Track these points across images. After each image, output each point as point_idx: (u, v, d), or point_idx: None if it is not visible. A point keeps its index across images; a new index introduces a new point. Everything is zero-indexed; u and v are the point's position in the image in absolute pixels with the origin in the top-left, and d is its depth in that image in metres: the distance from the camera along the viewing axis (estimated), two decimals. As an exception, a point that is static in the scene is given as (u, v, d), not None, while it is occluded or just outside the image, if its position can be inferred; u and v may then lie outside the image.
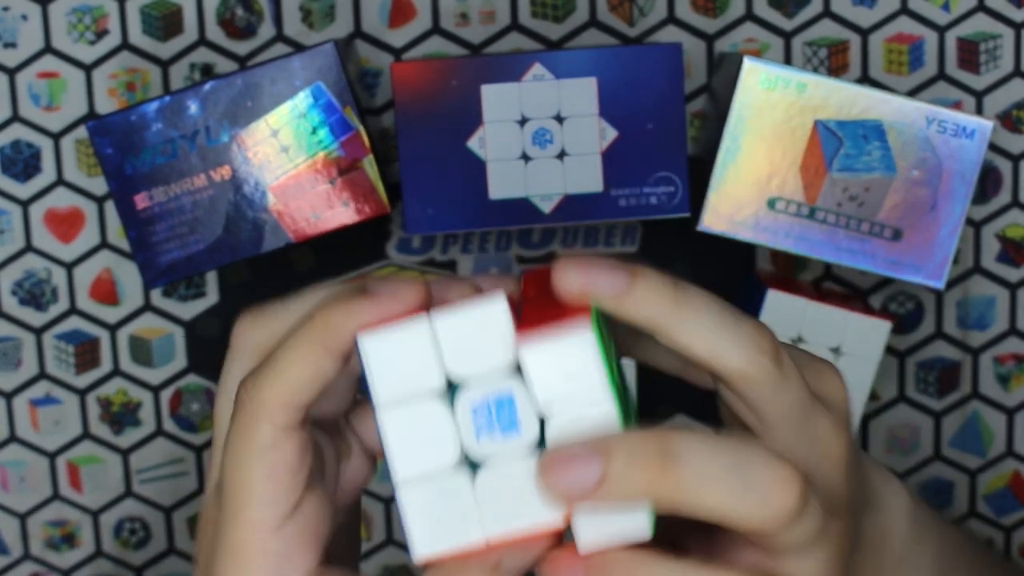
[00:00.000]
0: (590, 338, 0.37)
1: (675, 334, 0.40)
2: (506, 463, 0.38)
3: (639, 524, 0.37)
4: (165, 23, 0.64)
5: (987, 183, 0.66)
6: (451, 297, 0.42)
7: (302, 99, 0.57)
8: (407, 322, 0.38)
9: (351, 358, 0.40)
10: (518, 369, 0.38)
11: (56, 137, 0.65)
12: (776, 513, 0.38)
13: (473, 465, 0.38)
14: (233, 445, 0.40)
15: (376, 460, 0.45)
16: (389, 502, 0.69)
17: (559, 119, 0.56)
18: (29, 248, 0.66)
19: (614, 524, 0.37)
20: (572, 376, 0.37)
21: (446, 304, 0.41)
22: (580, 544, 0.38)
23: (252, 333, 0.43)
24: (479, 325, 0.38)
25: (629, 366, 0.60)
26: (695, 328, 0.40)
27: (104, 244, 0.66)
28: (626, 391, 0.42)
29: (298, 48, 0.64)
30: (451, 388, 0.38)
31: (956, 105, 0.65)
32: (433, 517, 0.38)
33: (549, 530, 0.38)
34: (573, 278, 0.39)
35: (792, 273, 0.66)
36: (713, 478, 0.37)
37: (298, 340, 0.39)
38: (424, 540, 0.38)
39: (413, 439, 0.38)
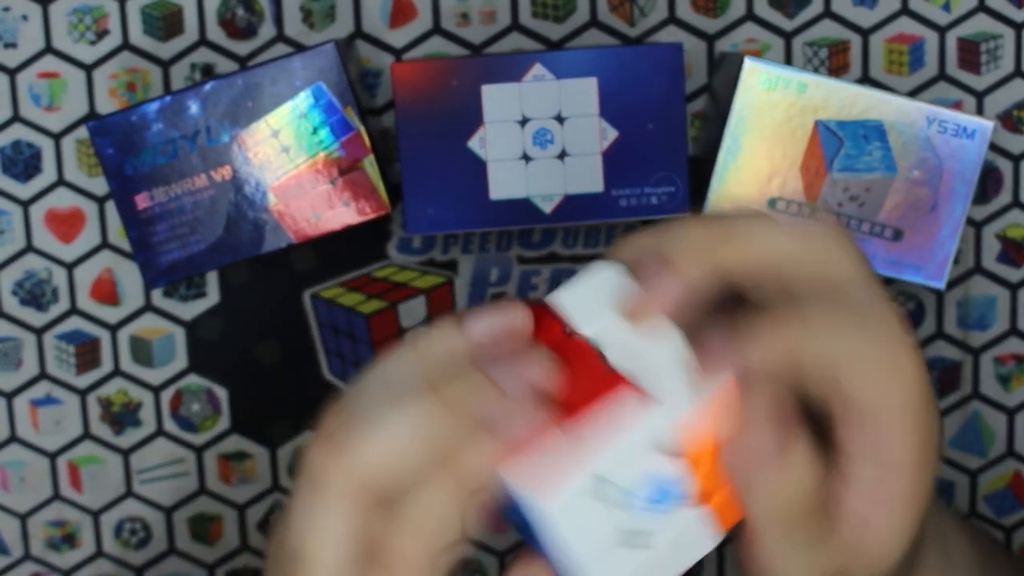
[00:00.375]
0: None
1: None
2: (667, 526, 0.39)
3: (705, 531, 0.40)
4: (166, 23, 0.64)
5: (988, 183, 0.66)
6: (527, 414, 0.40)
7: (303, 99, 0.57)
8: (571, 480, 0.38)
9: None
10: (657, 449, 0.39)
11: (57, 137, 0.65)
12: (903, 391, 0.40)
13: (634, 539, 0.39)
14: None
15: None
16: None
17: (560, 119, 0.56)
18: (30, 248, 0.66)
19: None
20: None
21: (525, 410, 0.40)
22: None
23: (346, 466, 0.41)
24: (630, 450, 0.39)
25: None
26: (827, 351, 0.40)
27: (105, 244, 0.66)
28: None
29: (299, 48, 0.64)
30: (599, 483, 0.39)
31: (957, 105, 0.65)
32: None
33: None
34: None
35: (793, 273, 0.66)
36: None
37: (445, 489, 0.39)
38: None
39: (581, 538, 0.39)
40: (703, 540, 0.40)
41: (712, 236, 0.41)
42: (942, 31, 0.64)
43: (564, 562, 0.39)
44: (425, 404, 0.40)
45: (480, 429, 0.39)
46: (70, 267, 0.66)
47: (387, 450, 0.40)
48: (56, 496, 0.68)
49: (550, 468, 0.38)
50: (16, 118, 0.65)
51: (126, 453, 0.68)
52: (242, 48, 0.65)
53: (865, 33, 0.65)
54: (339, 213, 0.57)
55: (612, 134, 0.56)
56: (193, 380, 0.67)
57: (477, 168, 0.56)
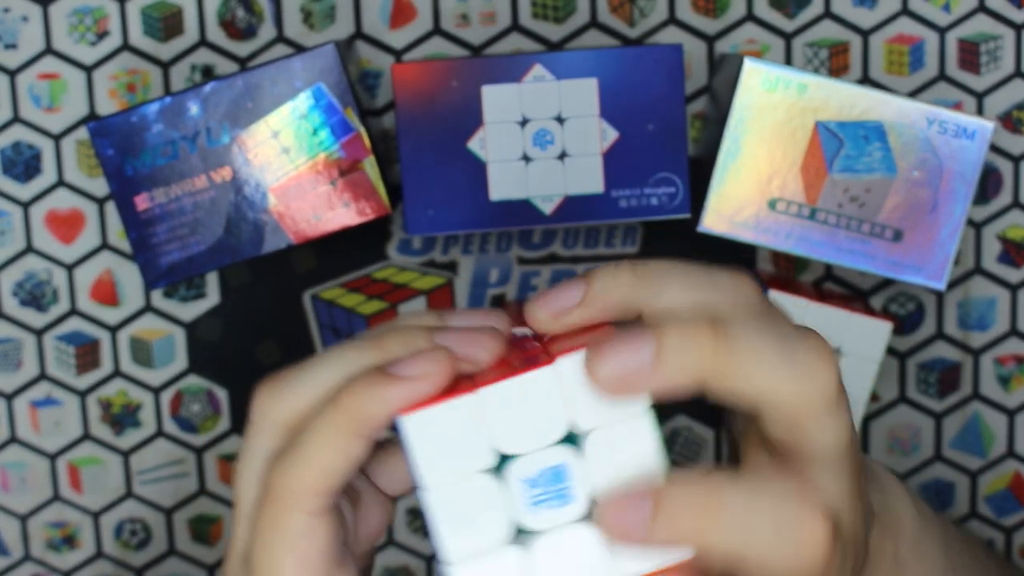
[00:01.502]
0: (650, 430, 0.38)
1: (725, 385, 0.39)
2: (560, 534, 0.37)
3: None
4: (166, 24, 0.64)
5: (988, 184, 0.66)
6: (472, 352, 0.41)
7: (303, 100, 0.57)
8: (453, 401, 0.37)
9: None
10: (569, 439, 0.37)
11: (57, 138, 0.65)
12: (820, 388, 0.39)
13: (523, 538, 0.38)
14: (264, 532, 0.40)
15: (393, 503, 0.45)
16: (390, 503, 0.69)
17: (560, 120, 0.56)
18: (30, 249, 0.66)
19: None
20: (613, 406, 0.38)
21: (466, 357, 0.40)
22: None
23: (274, 408, 0.42)
24: (528, 399, 0.37)
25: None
26: (742, 375, 0.39)
27: (105, 245, 0.66)
28: None
29: (299, 49, 0.64)
30: (500, 461, 0.37)
31: (957, 106, 0.65)
32: None
33: None
34: (604, 369, 0.38)
35: (793, 274, 0.66)
36: (763, 353, 0.38)
37: (327, 426, 0.39)
38: None
39: (463, 517, 0.37)
40: (594, 567, 0.37)
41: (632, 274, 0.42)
42: (942, 32, 0.64)
43: (437, 541, 0.37)
44: (361, 348, 0.41)
45: (387, 372, 0.39)
46: (70, 268, 0.66)
47: (306, 389, 0.41)
48: (56, 497, 0.68)
49: (447, 420, 0.37)
50: (16, 119, 0.65)
51: (126, 454, 0.68)
52: (242, 49, 0.65)
53: (865, 34, 0.65)
54: (339, 214, 0.57)
55: (612, 135, 0.56)
56: (193, 381, 0.67)
57: (477, 169, 0.56)
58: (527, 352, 0.40)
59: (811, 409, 0.39)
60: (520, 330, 0.43)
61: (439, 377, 0.38)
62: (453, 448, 0.37)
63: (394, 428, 0.40)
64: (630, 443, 0.38)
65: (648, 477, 0.38)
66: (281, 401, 0.42)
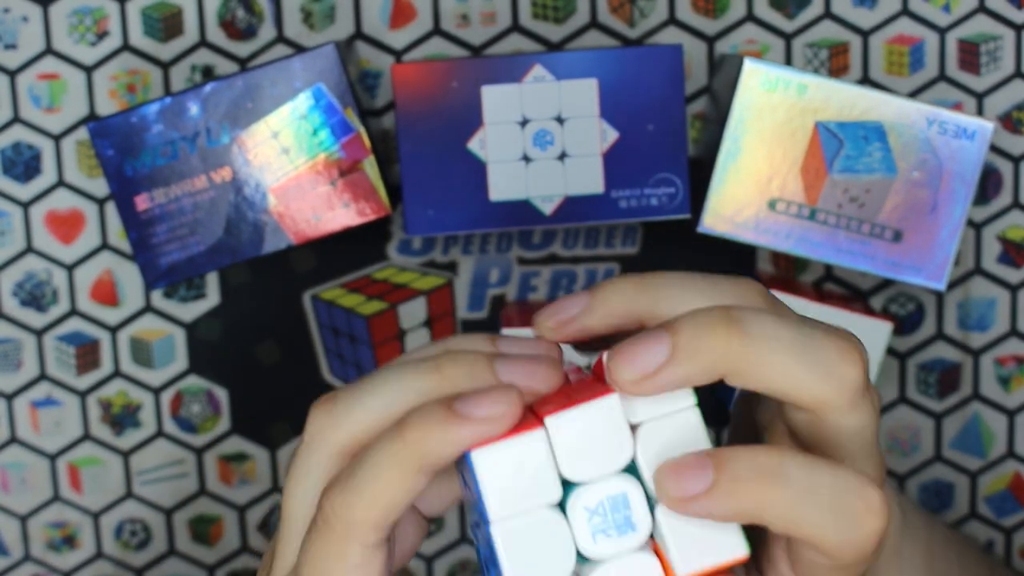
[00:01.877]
0: (692, 404, 0.39)
1: (745, 379, 0.39)
2: (623, 562, 0.38)
3: (734, 542, 0.38)
4: (166, 25, 0.64)
5: (988, 184, 0.66)
6: (535, 385, 0.40)
7: (303, 100, 0.57)
8: (522, 436, 0.37)
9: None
10: (630, 469, 0.38)
11: (57, 138, 0.65)
12: (843, 384, 0.39)
13: (587, 567, 0.38)
14: (317, 559, 0.40)
15: (429, 523, 0.45)
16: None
17: (560, 120, 0.56)
18: (30, 249, 0.66)
19: (710, 545, 0.38)
20: (674, 432, 0.38)
21: (529, 390, 0.40)
22: (677, 571, 0.38)
23: (331, 430, 0.41)
24: (592, 429, 0.38)
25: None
26: (767, 370, 0.39)
27: (105, 245, 0.66)
28: None
29: (299, 49, 0.64)
30: (565, 491, 0.38)
31: (957, 106, 0.65)
32: None
33: None
34: (624, 372, 0.38)
35: (793, 274, 0.66)
36: (780, 346, 0.38)
37: (392, 461, 0.39)
38: None
39: (529, 549, 0.37)
40: None
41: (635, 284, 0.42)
42: (942, 32, 0.64)
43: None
44: (420, 373, 0.40)
45: (457, 410, 0.38)
46: (70, 268, 0.66)
47: (367, 414, 0.41)
48: (56, 497, 0.68)
49: (515, 464, 0.37)
50: (16, 119, 0.65)
51: (126, 454, 0.68)
52: (242, 49, 0.65)
53: (865, 34, 0.65)
54: (339, 214, 0.57)
55: (612, 135, 0.56)
56: (193, 381, 0.67)
57: (477, 169, 0.56)
58: (578, 380, 0.41)
59: (834, 404, 0.39)
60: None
61: (511, 419, 0.38)
62: (522, 482, 0.37)
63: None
64: (682, 440, 0.38)
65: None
66: (338, 423, 0.41)
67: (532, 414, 0.39)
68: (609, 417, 0.38)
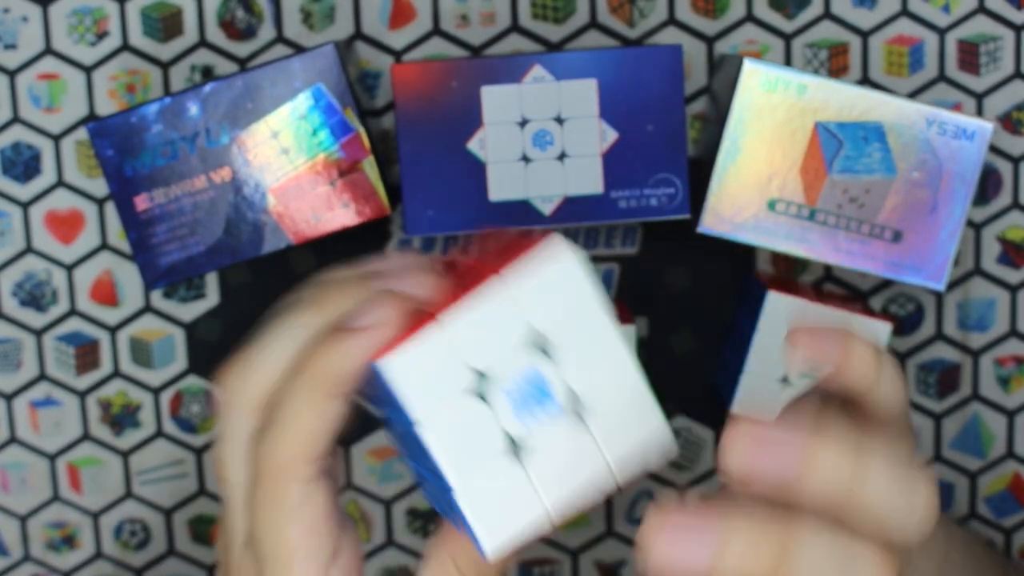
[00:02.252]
0: (571, 256, 0.39)
1: (856, 497, 0.38)
2: (550, 435, 0.38)
3: (657, 424, 0.40)
4: (165, 25, 0.64)
5: (987, 185, 0.66)
6: (413, 287, 0.41)
7: (302, 101, 0.57)
8: (421, 337, 0.38)
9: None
10: (533, 344, 0.38)
11: (56, 139, 0.65)
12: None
13: (518, 447, 0.38)
14: (265, 509, 0.41)
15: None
16: (390, 504, 0.69)
17: (559, 121, 0.56)
18: (29, 250, 0.66)
19: (631, 422, 0.39)
20: (562, 301, 0.39)
21: (409, 294, 0.41)
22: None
23: (243, 389, 0.43)
24: (489, 318, 0.38)
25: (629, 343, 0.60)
26: (872, 494, 0.38)
27: (104, 246, 0.66)
28: None
29: (298, 50, 0.64)
30: (479, 379, 0.38)
31: (956, 107, 0.65)
32: (495, 511, 0.38)
33: (606, 492, 0.38)
34: (740, 460, 0.37)
35: (792, 275, 0.66)
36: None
37: (303, 394, 0.40)
38: (492, 537, 0.38)
39: (459, 444, 0.38)
40: (596, 470, 0.38)
41: None
42: (942, 32, 0.64)
43: (441, 471, 0.38)
44: (303, 313, 0.42)
45: (343, 329, 0.39)
46: (70, 268, 0.66)
47: (269, 365, 0.42)
48: (56, 497, 0.68)
49: (423, 362, 0.38)
50: (16, 119, 0.65)
51: (126, 454, 0.68)
52: (242, 49, 0.65)
53: (865, 34, 0.64)
54: (339, 214, 0.57)
55: (612, 135, 0.56)
56: (193, 381, 0.67)
57: (477, 169, 0.56)
58: (472, 275, 0.41)
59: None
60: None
61: (396, 319, 0.39)
62: (434, 379, 0.38)
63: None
64: (596, 341, 0.39)
65: (621, 368, 0.39)
66: (248, 381, 0.42)
67: (430, 316, 0.39)
68: (499, 299, 0.38)
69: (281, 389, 0.41)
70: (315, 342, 0.40)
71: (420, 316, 0.40)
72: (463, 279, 0.41)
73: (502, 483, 0.38)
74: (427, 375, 0.38)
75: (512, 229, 0.41)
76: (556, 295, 0.38)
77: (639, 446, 0.39)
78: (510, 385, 0.38)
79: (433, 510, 0.69)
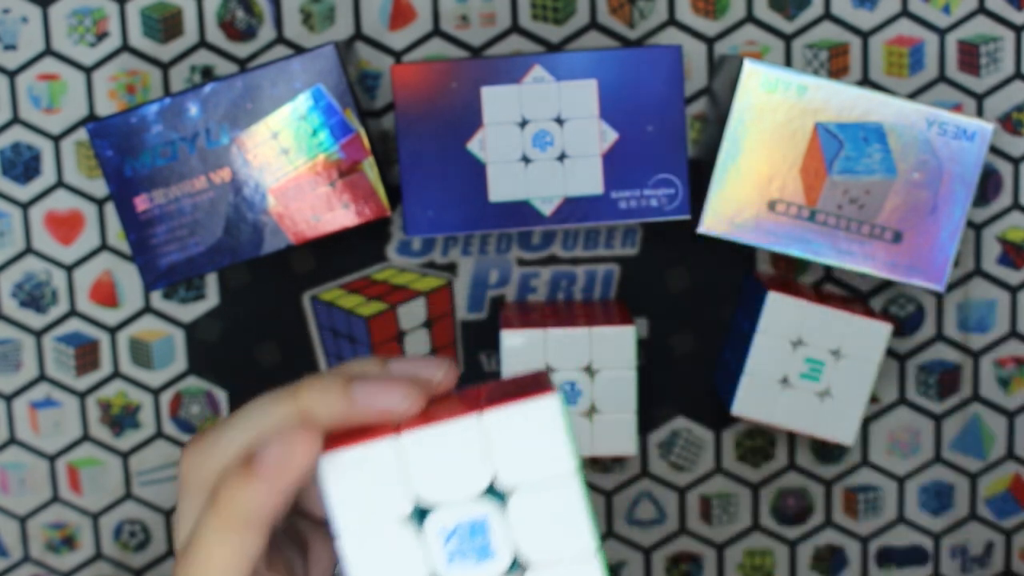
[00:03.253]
0: (556, 403, 0.36)
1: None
2: None
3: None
4: (165, 25, 0.64)
5: (987, 185, 0.66)
6: (387, 401, 0.38)
7: (302, 101, 0.57)
8: (373, 443, 0.35)
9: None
10: (493, 493, 0.36)
11: (56, 139, 0.65)
12: None
13: None
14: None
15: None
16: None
17: (559, 121, 0.56)
18: (29, 250, 0.66)
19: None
20: (537, 458, 0.36)
21: (383, 408, 0.38)
22: None
23: (199, 469, 0.41)
24: (450, 448, 0.35)
25: (629, 343, 0.60)
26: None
27: (104, 246, 0.66)
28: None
29: (298, 50, 0.64)
30: (419, 511, 0.36)
31: (956, 108, 0.65)
32: None
33: None
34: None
35: (792, 275, 0.66)
36: None
37: (209, 526, 0.39)
38: None
39: (377, 568, 0.35)
40: None
41: None
42: (942, 33, 0.64)
43: None
44: (278, 402, 0.40)
45: (254, 462, 0.38)
46: (69, 269, 0.66)
47: (232, 447, 0.40)
48: (55, 498, 0.68)
49: (365, 471, 0.35)
50: (16, 120, 0.65)
51: (125, 455, 0.68)
52: (242, 50, 0.65)
53: (865, 35, 0.64)
54: (338, 215, 0.57)
55: (612, 136, 0.56)
56: (192, 382, 0.67)
57: (476, 170, 0.56)
58: (467, 401, 0.38)
59: None
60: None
61: (302, 464, 0.37)
62: (370, 493, 0.35)
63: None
64: (556, 502, 0.35)
65: (577, 539, 0.35)
66: (204, 461, 0.41)
67: (396, 429, 0.37)
68: (469, 438, 0.35)
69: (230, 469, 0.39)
70: (231, 469, 0.39)
71: (390, 428, 0.37)
72: (449, 405, 0.38)
73: None
74: (367, 486, 0.35)
75: (528, 374, 0.38)
76: (530, 450, 0.35)
77: None
78: (452, 527, 0.35)
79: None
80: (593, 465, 0.68)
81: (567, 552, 0.35)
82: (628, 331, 0.60)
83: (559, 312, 0.63)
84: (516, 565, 0.36)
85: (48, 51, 0.64)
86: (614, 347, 0.60)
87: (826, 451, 0.68)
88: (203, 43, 0.64)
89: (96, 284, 0.66)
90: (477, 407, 0.36)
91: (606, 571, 0.35)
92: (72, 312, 0.66)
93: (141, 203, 0.57)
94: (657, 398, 0.67)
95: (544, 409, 0.35)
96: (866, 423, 0.68)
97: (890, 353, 0.67)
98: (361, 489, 0.35)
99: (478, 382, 0.42)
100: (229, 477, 0.38)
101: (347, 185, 0.57)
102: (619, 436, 0.60)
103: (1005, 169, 0.65)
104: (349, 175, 0.57)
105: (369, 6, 0.64)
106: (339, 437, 0.36)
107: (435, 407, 0.37)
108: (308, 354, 0.67)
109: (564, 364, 0.60)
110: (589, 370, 0.60)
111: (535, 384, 0.36)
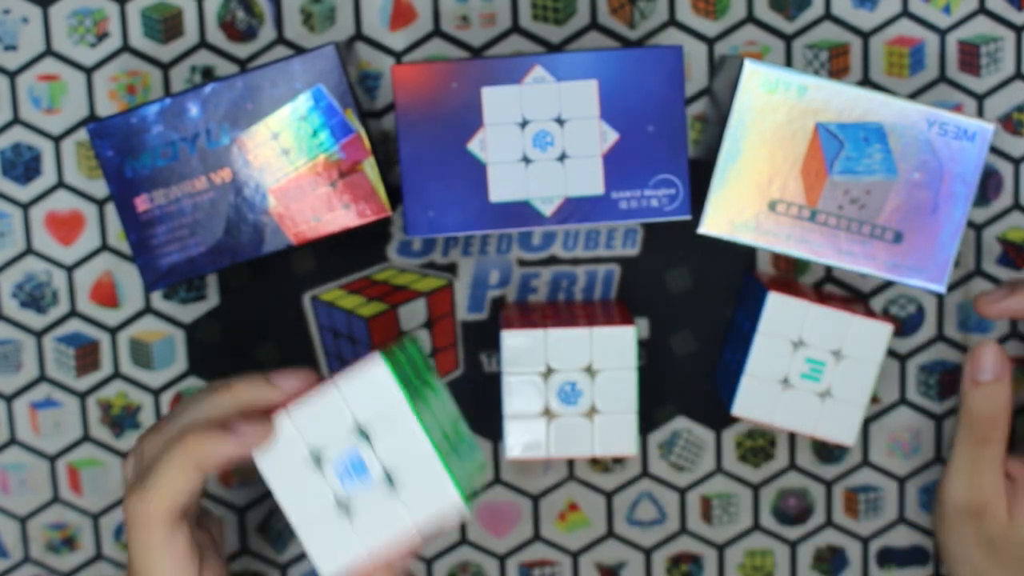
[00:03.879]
0: (384, 369, 0.51)
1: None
2: (368, 499, 0.52)
3: (455, 500, 0.52)
4: (166, 26, 0.64)
5: (988, 186, 0.66)
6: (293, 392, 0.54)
7: (303, 101, 0.57)
8: (278, 430, 0.52)
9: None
10: (356, 431, 0.52)
11: (57, 140, 0.65)
12: None
13: (343, 506, 0.52)
14: (137, 548, 0.52)
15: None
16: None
17: (560, 121, 0.56)
18: (30, 251, 0.66)
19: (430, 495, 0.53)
20: (378, 400, 0.51)
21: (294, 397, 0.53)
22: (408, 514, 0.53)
23: (154, 444, 0.53)
24: (323, 411, 0.52)
25: (630, 344, 0.60)
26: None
27: (104, 247, 0.66)
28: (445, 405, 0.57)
29: (299, 51, 0.64)
30: (316, 455, 0.52)
31: (957, 108, 0.65)
32: (328, 548, 0.52)
33: (410, 541, 0.52)
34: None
35: (793, 276, 0.66)
36: None
37: (176, 460, 0.51)
38: (326, 565, 0.52)
39: (299, 500, 0.52)
40: (399, 523, 0.52)
41: None
42: (942, 33, 0.64)
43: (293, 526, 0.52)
44: (219, 393, 0.54)
45: (225, 434, 0.51)
46: (70, 269, 0.66)
47: (185, 484, 0.52)
48: (56, 499, 0.68)
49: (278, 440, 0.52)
50: (16, 120, 0.65)
51: (126, 456, 0.68)
52: (242, 50, 0.65)
53: (865, 35, 0.64)
54: (339, 215, 0.57)
55: (612, 136, 0.56)
56: (193, 383, 0.67)
57: (477, 170, 0.56)
58: (324, 381, 0.54)
59: None
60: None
61: (262, 435, 0.52)
62: (282, 451, 0.52)
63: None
64: (399, 428, 0.51)
65: (423, 453, 0.51)
66: (159, 438, 0.53)
67: (284, 408, 0.53)
68: (331, 400, 0.51)
69: (159, 452, 0.52)
70: (200, 424, 0.52)
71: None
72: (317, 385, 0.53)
73: (332, 531, 0.52)
74: (277, 448, 0.52)
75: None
76: (373, 396, 0.51)
77: (437, 511, 0.52)
78: (337, 461, 0.51)
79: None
80: (593, 465, 0.68)
81: (412, 458, 0.51)
82: (629, 331, 0.60)
83: (560, 312, 0.63)
84: (388, 477, 0.52)
85: (48, 51, 0.64)
86: (615, 347, 0.60)
87: (827, 451, 0.68)
88: (203, 43, 0.64)
89: (96, 284, 0.66)
90: (331, 381, 0.52)
91: (447, 468, 0.51)
92: (72, 312, 0.66)
93: (141, 203, 0.57)
94: (657, 398, 0.67)
95: (374, 368, 0.51)
96: (867, 423, 0.68)
97: (891, 353, 0.67)
98: (275, 450, 0.52)
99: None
100: (199, 430, 0.52)
101: (347, 185, 0.57)
102: (620, 436, 0.60)
103: (1006, 169, 0.65)
104: (349, 175, 0.57)
105: (369, 6, 0.64)
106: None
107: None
108: (308, 355, 0.67)
109: (565, 364, 0.60)
110: (590, 370, 0.60)
111: (367, 359, 0.52)
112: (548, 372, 0.60)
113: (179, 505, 0.51)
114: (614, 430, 0.60)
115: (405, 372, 0.53)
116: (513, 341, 0.60)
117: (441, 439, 0.53)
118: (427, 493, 0.51)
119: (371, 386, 0.51)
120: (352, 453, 0.51)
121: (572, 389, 0.60)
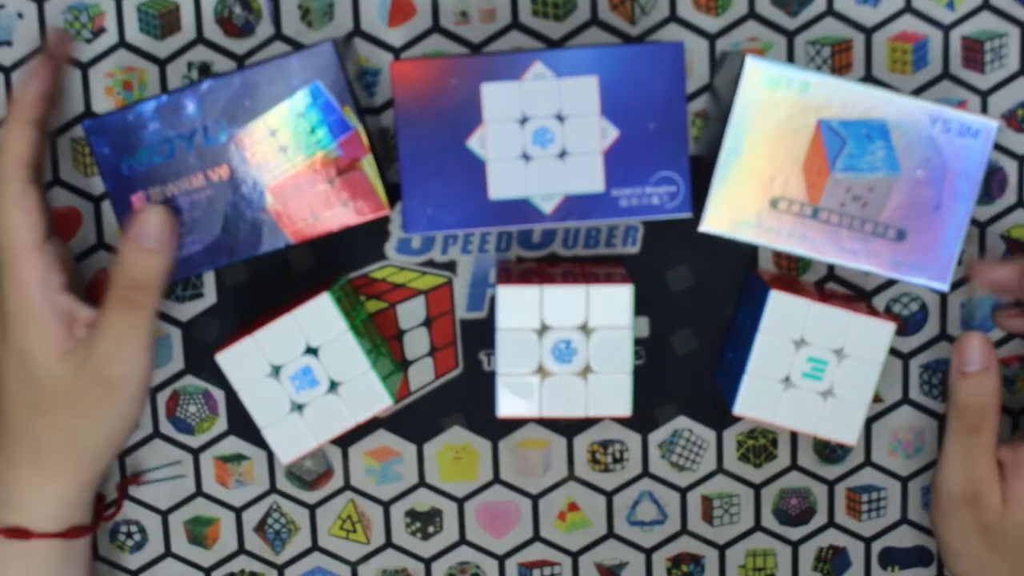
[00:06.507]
0: (330, 303, 0.60)
1: None
2: (319, 403, 0.61)
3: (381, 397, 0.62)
4: (162, 21, 0.64)
5: (992, 183, 0.65)
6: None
7: (300, 98, 0.56)
8: (241, 342, 0.60)
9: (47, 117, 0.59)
10: (307, 349, 0.60)
11: (52, 136, 0.65)
12: None
13: (298, 408, 0.61)
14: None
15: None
16: (388, 505, 0.68)
17: (560, 118, 0.55)
18: (25, 248, 0.65)
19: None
20: (324, 327, 0.60)
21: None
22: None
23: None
24: (280, 334, 0.60)
25: (626, 302, 0.60)
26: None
27: (101, 244, 0.66)
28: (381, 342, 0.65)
29: (297, 47, 0.63)
30: (274, 367, 0.61)
31: (961, 104, 0.64)
32: (286, 442, 0.61)
33: (345, 431, 0.61)
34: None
35: (795, 274, 0.66)
36: None
37: (11, 124, 0.58)
38: (284, 454, 0.61)
39: (262, 403, 0.61)
40: (342, 420, 0.61)
41: None
42: (946, 29, 0.64)
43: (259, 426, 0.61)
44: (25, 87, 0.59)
45: (25, 82, 0.58)
46: (66, 267, 0.66)
47: (23, 139, 0.58)
48: (52, 498, 0.68)
49: (242, 356, 0.61)
50: (12, 117, 0.65)
51: (123, 455, 0.67)
52: (239, 47, 0.64)
53: (868, 31, 0.64)
54: (337, 213, 0.57)
55: (613, 133, 0.55)
56: (190, 381, 0.67)
57: (476, 167, 0.55)
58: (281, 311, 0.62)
59: None
60: None
61: (45, 79, 0.59)
62: (247, 366, 0.60)
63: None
64: (339, 348, 0.60)
65: (361, 368, 0.61)
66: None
67: (249, 333, 0.61)
68: (287, 326, 0.60)
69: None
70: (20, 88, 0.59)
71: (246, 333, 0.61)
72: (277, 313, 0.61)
73: (289, 428, 0.61)
74: (244, 364, 0.60)
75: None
76: (321, 324, 0.60)
77: (370, 408, 0.61)
78: (292, 373, 0.60)
79: (429, 513, 0.68)
80: (593, 465, 0.68)
81: (351, 369, 0.60)
82: (626, 290, 0.59)
83: (557, 274, 0.62)
84: (332, 384, 0.61)
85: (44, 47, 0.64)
86: (611, 306, 0.59)
87: (829, 451, 0.68)
88: (200, 39, 0.64)
89: (93, 282, 0.66)
90: (287, 310, 0.61)
91: (378, 376, 0.61)
92: (69, 311, 0.66)
93: (138, 201, 0.57)
94: (658, 397, 0.67)
95: (321, 302, 0.59)
96: (869, 423, 0.67)
97: (893, 352, 0.67)
98: (242, 365, 0.60)
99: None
100: (17, 93, 0.58)
101: (346, 183, 0.57)
102: (614, 397, 0.59)
103: (1010, 166, 0.65)
104: (348, 173, 0.57)
105: (368, 2, 0.64)
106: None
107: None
108: (307, 353, 0.67)
109: (560, 322, 0.59)
110: (585, 328, 0.59)
111: (316, 297, 0.60)
112: (543, 329, 0.59)
113: (25, 158, 0.58)
114: (608, 390, 0.60)
115: (344, 305, 0.61)
116: (508, 296, 0.59)
117: (371, 351, 0.62)
118: (363, 396, 0.61)
119: (319, 316, 0.60)
120: (305, 367, 0.60)
121: (567, 347, 0.59)
